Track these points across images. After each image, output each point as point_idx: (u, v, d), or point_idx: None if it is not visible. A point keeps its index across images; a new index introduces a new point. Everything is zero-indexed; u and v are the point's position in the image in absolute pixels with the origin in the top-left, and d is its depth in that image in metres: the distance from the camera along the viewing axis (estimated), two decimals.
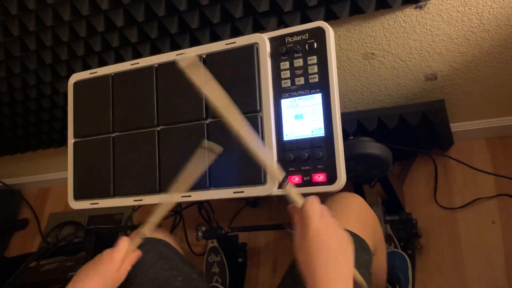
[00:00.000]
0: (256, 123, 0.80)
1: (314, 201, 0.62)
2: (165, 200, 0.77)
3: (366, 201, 0.87)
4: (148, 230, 0.78)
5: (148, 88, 0.91)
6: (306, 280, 0.58)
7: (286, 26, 1.02)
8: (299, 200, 0.65)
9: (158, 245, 0.88)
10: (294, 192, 0.66)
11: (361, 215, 0.83)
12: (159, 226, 0.88)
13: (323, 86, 0.79)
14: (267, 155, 0.68)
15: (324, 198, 0.86)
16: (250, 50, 0.83)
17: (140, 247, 0.85)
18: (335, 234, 0.61)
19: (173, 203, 0.79)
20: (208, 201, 1.48)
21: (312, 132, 0.78)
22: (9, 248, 1.88)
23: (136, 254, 0.78)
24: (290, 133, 0.80)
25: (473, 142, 1.36)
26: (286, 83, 0.81)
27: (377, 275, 0.90)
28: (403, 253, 1.17)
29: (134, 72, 0.93)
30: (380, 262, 0.91)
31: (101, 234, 1.52)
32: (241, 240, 1.43)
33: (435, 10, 1.02)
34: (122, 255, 0.74)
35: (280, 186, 0.68)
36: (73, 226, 1.77)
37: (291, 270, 0.76)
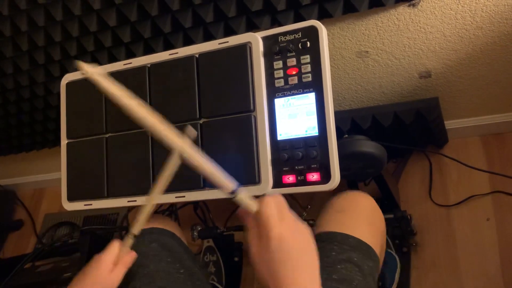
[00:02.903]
0: (249, 123, 0.80)
1: (269, 202, 0.56)
2: (152, 196, 0.74)
3: None
4: (137, 229, 0.75)
5: (141, 88, 0.90)
6: None
7: (280, 25, 1.02)
8: (253, 204, 0.58)
9: (162, 235, 0.88)
10: (246, 197, 0.59)
11: (372, 219, 0.81)
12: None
13: (316, 85, 0.78)
14: (211, 165, 0.60)
15: (331, 196, 0.83)
16: (243, 50, 0.83)
17: (144, 237, 0.85)
18: (298, 234, 0.55)
19: (160, 198, 0.76)
20: (203, 201, 1.47)
21: (306, 131, 0.78)
22: (4, 249, 1.87)
23: (130, 256, 0.75)
24: (284, 132, 0.80)
25: (467, 139, 1.36)
26: (280, 83, 0.81)
27: None
28: (393, 253, 1.17)
29: (127, 72, 0.93)
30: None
31: (96, 234, 1.52)
32: (236, 239, 1.43)
33: (428, 8, 1.02)
34: (113, 257, 0.72)
35: (232, 195, 0.59)
36: (68, 226, 1.77)
37: None
